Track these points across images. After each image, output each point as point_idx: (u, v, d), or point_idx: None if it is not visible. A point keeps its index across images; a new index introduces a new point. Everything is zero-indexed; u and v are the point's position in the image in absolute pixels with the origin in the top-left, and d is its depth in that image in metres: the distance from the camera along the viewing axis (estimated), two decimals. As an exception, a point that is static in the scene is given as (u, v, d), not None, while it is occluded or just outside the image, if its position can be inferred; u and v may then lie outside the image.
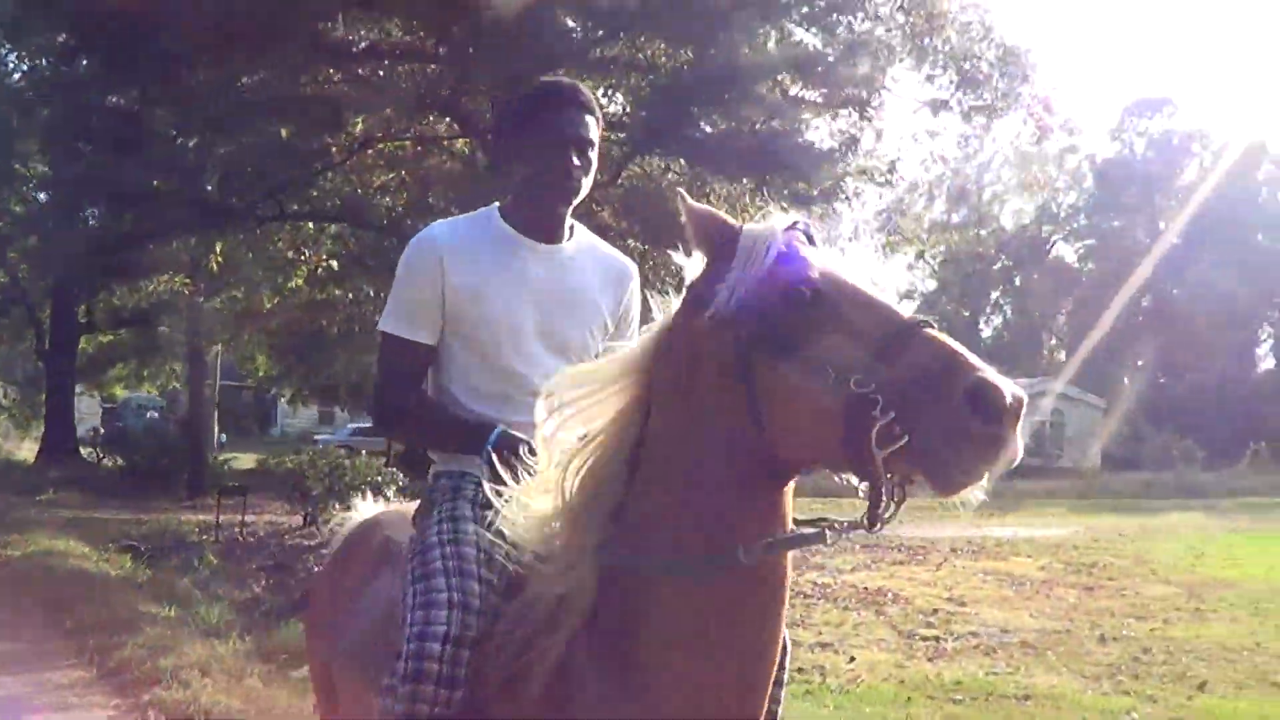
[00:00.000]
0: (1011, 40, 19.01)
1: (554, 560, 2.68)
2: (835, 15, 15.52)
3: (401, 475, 18.97)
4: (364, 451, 24.80)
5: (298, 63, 14.37)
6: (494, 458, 2.96)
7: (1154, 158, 67.97)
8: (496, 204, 3.40)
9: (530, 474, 2.82)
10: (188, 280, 21.73)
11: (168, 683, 8.70)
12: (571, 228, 3.42)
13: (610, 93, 16.83)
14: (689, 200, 2.64)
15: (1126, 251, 58.48)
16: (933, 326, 2.28)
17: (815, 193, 16.61)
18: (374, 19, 15.05)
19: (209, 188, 16.18)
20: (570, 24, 15.54)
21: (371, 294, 20.13)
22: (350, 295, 20.71)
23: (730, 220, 2.63)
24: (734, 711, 2.52)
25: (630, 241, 13.74)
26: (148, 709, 8.16)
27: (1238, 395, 56.23)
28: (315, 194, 17.39)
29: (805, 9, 15.41)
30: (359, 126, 16.49)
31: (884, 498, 2.29)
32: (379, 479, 18.63)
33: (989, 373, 2.14)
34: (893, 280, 66.05)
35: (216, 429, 43.61)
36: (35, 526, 18.52)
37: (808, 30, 16.43)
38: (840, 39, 15.67)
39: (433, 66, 15.48)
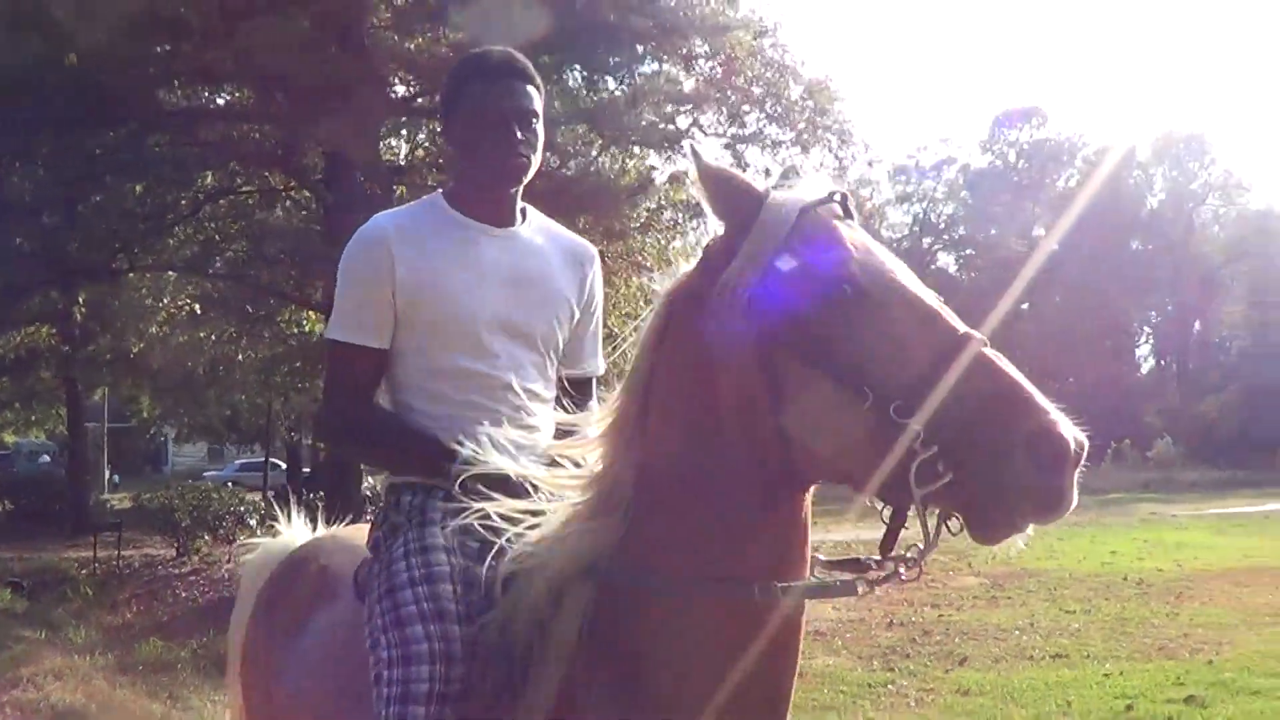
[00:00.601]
0: (816, 74, 20.96)
1: (549, 576, 2.45)
2: (619, 65, 17.18)
3: (276, 508, 20.33)
4: (231, 484, 26.14)
5: (141, 128, 15.85)
6: (462, 484, 2.73)
7: (1025, 167, 70.64)
8: (440, 190, 3.22)
9: (504, 497, 2.66)
10: (53, 331, 23.13)
11: (24, 686, 10.26)
12: (524, 210, 3.18)
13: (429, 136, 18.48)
14: (703, 158, 2.35)
15: (1003, 260, 60.30)
16: (989, 345, 2.05)
17: (633, 226, 18.41)
18: (209, 87, 16.62)
19: (69, 246, 17.56)
20: (395, 80, 17.25)
21: (234, 333, 21.73)
22: (213, 336, 22.08)
23: (753, 184, 2.35)
24: None
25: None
26: (4, 708, 9.67)
27: (1115, 396, 57.97)
28: (167, 245, 18.86)
29: (590, 61, 17.07)
30: (206, 182, 18.09)
31: (925, 536, 2.13)
32: (243, 510, 20.22)
33: (1053, 414, 1.95)
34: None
35: (107, 470, 44.60)
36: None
37: (598, 80, 18.14)
38: (626, 89, 17.37)
39: (266, 127, 17.08)
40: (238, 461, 48.44)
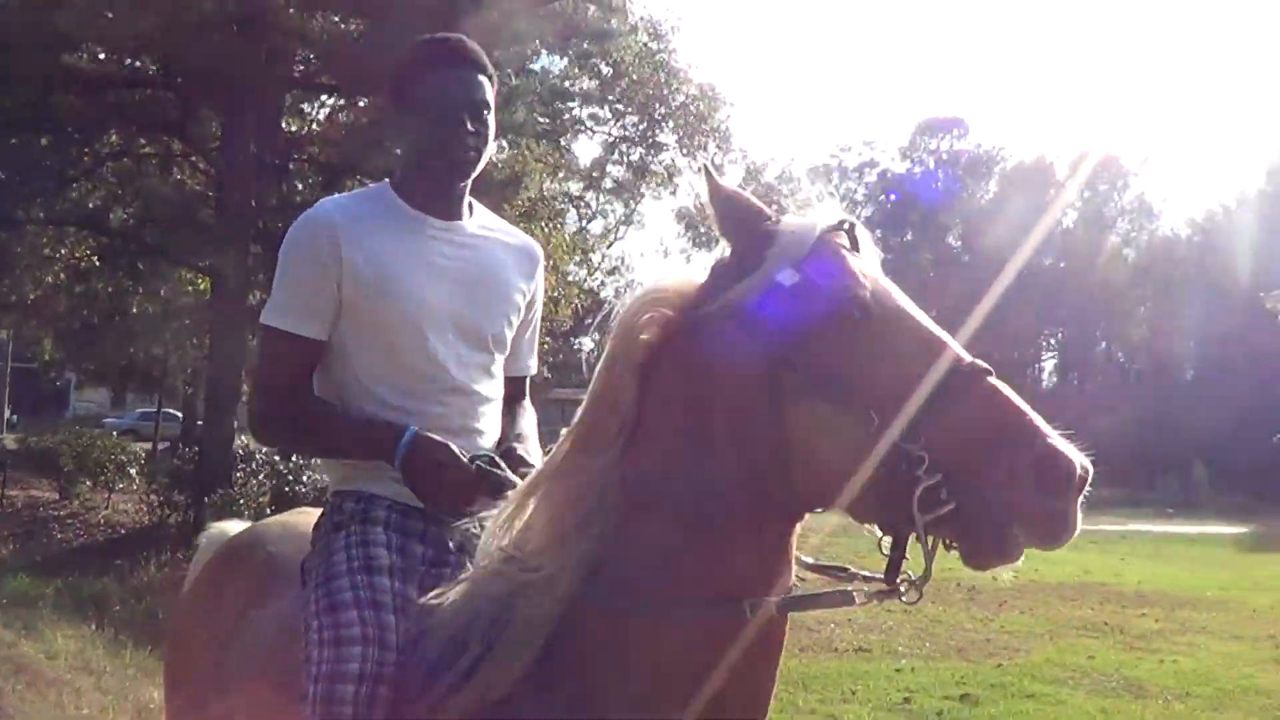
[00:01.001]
0: (705, 79, 22.20)
1: (515, 585, 2.37)
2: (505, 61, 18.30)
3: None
4: (128, 433, 26.86)
5: (46, 87, 16.73)
6: (410, 464, 2.77)
7: (942, 176, 71.97)
8: (386, 180, 3.16)
9: (453, 479, 2.72)
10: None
11: None
12: (471, 204, 3.13)
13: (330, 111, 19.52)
14: (715, 178, 2.35)
15: (913, 268, 61.47)
16: (993, 374, 2.08)
17: (517, 215, 19.49)
18: (112, 52, 17.56)
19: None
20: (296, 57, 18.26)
21: (132, 287, 22.59)
22: (110, 289, 22.88)
23: (764, 208, 2.38)
24: None
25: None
26: None
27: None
28: (68, 199, 19.75)
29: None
30: (110, 139, 19.03)
31: (925, 561, 2.11)
32: (124, 459, 21.14)
33: (1056, 440, 1.98)
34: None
35: (8, 409, 45.12)
36: None
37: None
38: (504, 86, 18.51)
39: (168, 94, 18.04)
40: (138, 411, 49.16)
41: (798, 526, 2.33)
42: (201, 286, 21.05)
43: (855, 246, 2.33)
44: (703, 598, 2.23)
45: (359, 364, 2.94)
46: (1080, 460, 1.98)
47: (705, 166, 2.42)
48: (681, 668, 2.23)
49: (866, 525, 2.19)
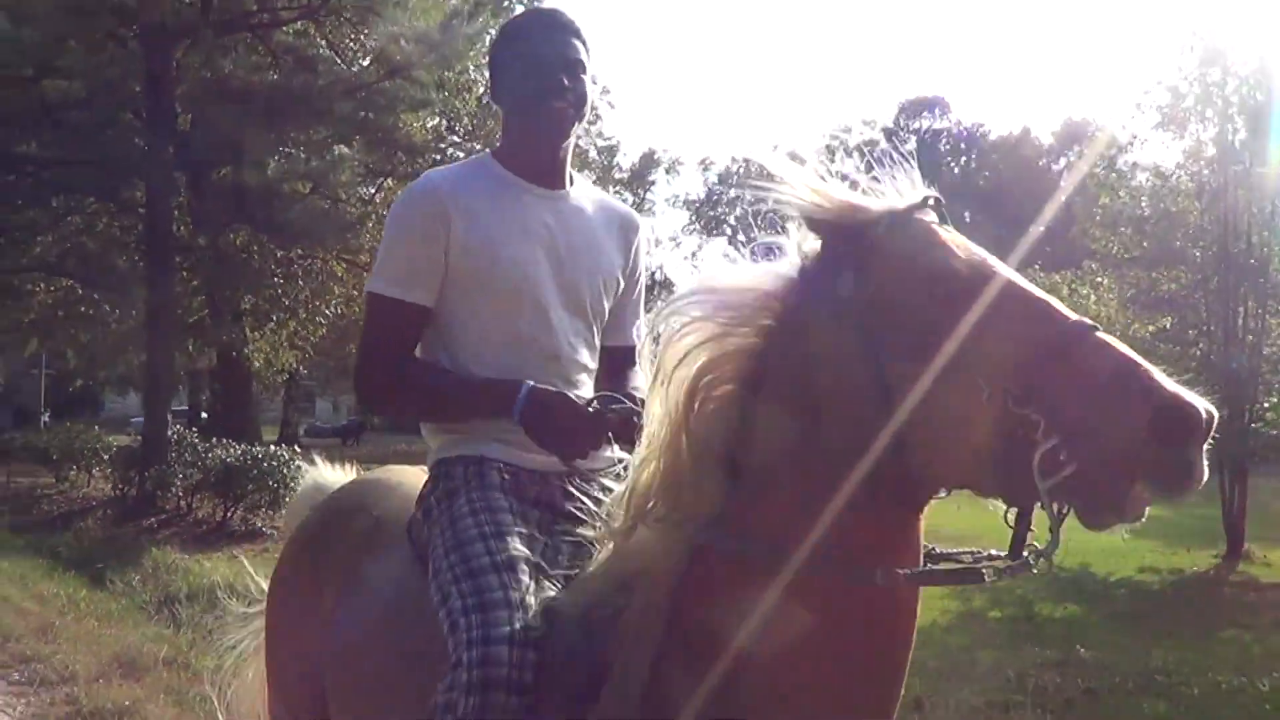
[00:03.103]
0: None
1: (644, 526, 2.44)
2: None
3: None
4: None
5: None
6: (530, 414, 2.82)
7: (925, 156, 75.36)
8: (488, 150, 3.25)
9: (574, 423, 2.78)
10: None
11: None
12: (571, 175, 3.21)
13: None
14: (796, 168, 2.33)
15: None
16: (1099, 329, 2.03)
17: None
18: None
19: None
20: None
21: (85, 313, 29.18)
22: (91, 311, 29.13)
23: (850, 194, 2.33)
24: None
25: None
26: None
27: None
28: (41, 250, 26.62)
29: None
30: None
31: (1052, 529, 2.09)
32: (99, 447, 27.54)
33: (1175, 388, 1.92)
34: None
35: (44, 412, 52.13)
36: None
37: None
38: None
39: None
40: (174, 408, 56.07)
41: (923, 512, 2.31)
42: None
43: (944, 220, 2.31)
44: (835, 560, 2.22)
45: (465, 332, 3.04)
46: (1203, 405, 1.89)
47: (789, 156, 2.39)
48: (798, 618, 2.22)
49: (991, 500, 2.15)
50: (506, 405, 2.87)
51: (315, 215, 22.63)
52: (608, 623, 2.47)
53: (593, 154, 74.06)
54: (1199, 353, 22.17)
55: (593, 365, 3.16)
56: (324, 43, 25.41)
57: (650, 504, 2.42)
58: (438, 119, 28.06)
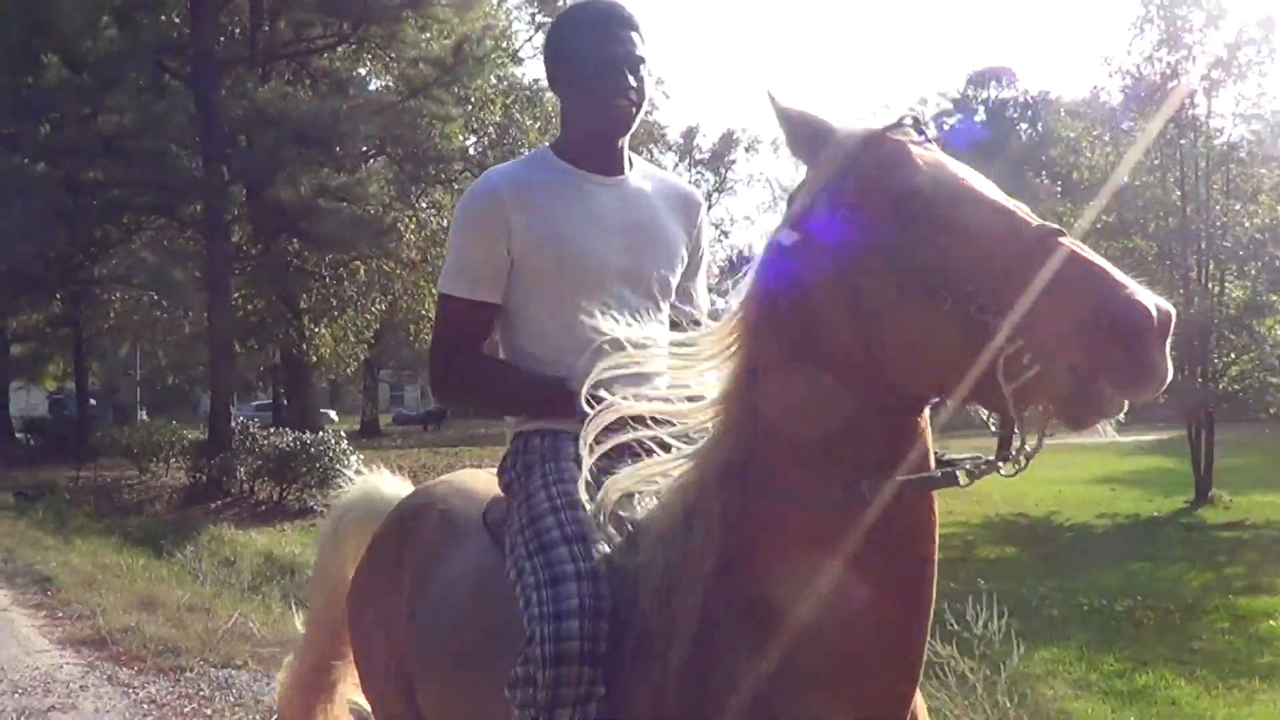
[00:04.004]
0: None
1: (684, 488, 2.53)
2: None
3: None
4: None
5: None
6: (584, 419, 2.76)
7: (990, 125, 76.10)
8: (548, 144, 3.34)
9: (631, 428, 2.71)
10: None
11: (2, 541, 18.11)
12: (630, 158, 3.29)
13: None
14: (778, 100, 2.41)
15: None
16: (1065, 234, 2.03)
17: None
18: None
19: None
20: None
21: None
22: (166, 316, 32.72)
23: (824, 121, 2.39)
24: (889, 662, 2.37)
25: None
26: None
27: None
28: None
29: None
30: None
31: (1020, 432, 2.14)
32: (174, 440, 30.89)
33: (1130, 288, 1.94)
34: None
35: (140, 410, 55.83)
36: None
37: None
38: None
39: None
40: (254, 403, 59.72)
41: (923, 415, 2.36)
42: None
43: (926, 139, 2.33)
44: (826, 486, 2.30)
45: (535, 323, 3.15)
46: (1157, 304, 1.92)
47: (767, 91, 2.44)
48: (823, 555, 2.30)
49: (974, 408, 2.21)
50: (568, 407, 2.86)
51: (348, 224, 25.43)
52: (659, 575, 2.53)
53: (673, 135, 76.52)
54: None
55: (664, 340, 2.99)
56: (357, 66, 28.29)
57: (697, 453, 2.54)
58: (460, 134, 30.84)
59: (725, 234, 75.59)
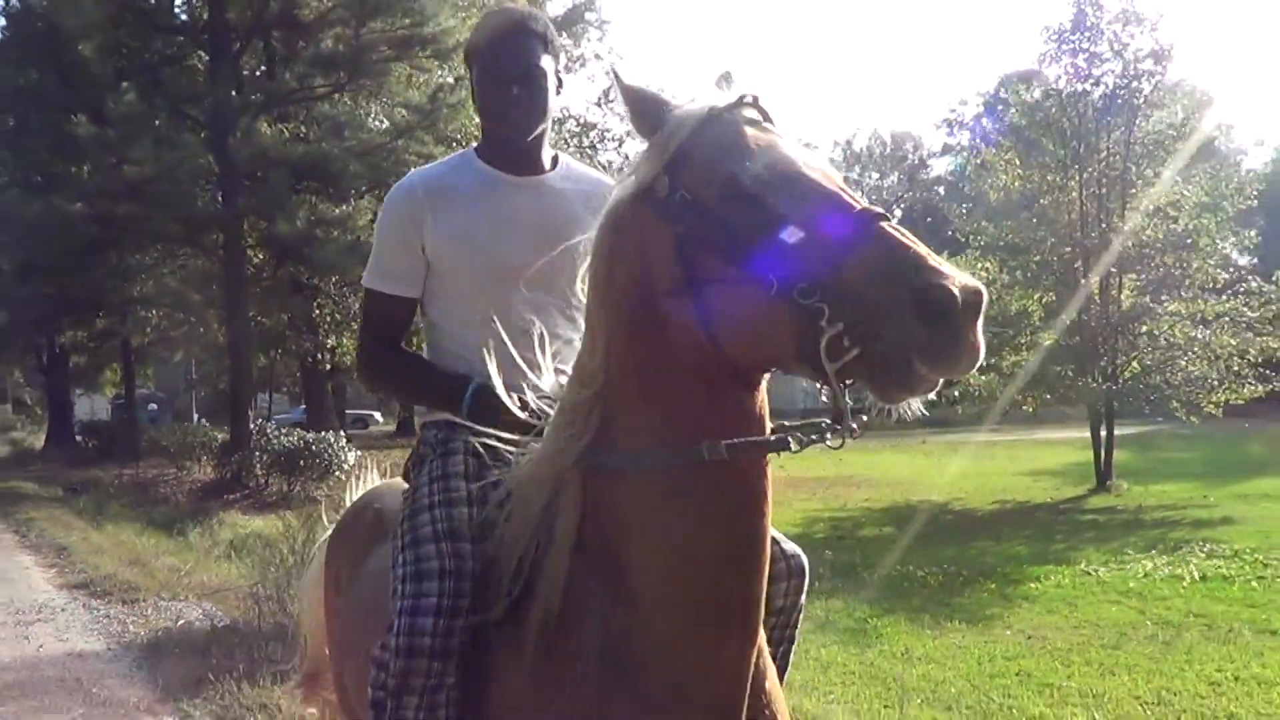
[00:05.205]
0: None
1: (543, 464, 2.68)
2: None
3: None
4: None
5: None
6: (474, 416, 3.03)
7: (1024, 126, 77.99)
8: (473, 145, 3.51)
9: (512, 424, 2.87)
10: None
11: (41, 524, 21.86)
12: (555, 158, 3.45)
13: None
14: (622, 79, 2.52)
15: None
16: (889, 219, 2.15)
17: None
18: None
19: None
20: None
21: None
22: (202, 330, 37.58)
23: (665, 100, 2.51)
24: (723, 618, 2.50)
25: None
26: (28, 533, 20.89)
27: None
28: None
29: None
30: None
31: (844, 407, 2.25)
32: (204, 440, 35.18)
33: (939, 269, 2.05)
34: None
35: (196, 415, 60.04)
36: (16, 479, 34.57)
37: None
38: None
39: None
40: (301, 406, 63.78)
41: (760, 388, 2.50)
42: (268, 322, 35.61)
43: (767, 119, 2.44)
44: (664, 450, 2.46)
45: (450, 315, 3.36)
46: (965, 283, 2.02)
47: (611, 69, 2.57)
48: (660, 510, 2.48)
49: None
50: (456, 403, 3.13)
51: (343, 251, 29.17)
52: (534, 552, 2.70)
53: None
54: (1066, 320, 27.12)
55: (573, 335, 3.14)
56: (349, 110, 32.02)
57: (564, 433, 2.66)
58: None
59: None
